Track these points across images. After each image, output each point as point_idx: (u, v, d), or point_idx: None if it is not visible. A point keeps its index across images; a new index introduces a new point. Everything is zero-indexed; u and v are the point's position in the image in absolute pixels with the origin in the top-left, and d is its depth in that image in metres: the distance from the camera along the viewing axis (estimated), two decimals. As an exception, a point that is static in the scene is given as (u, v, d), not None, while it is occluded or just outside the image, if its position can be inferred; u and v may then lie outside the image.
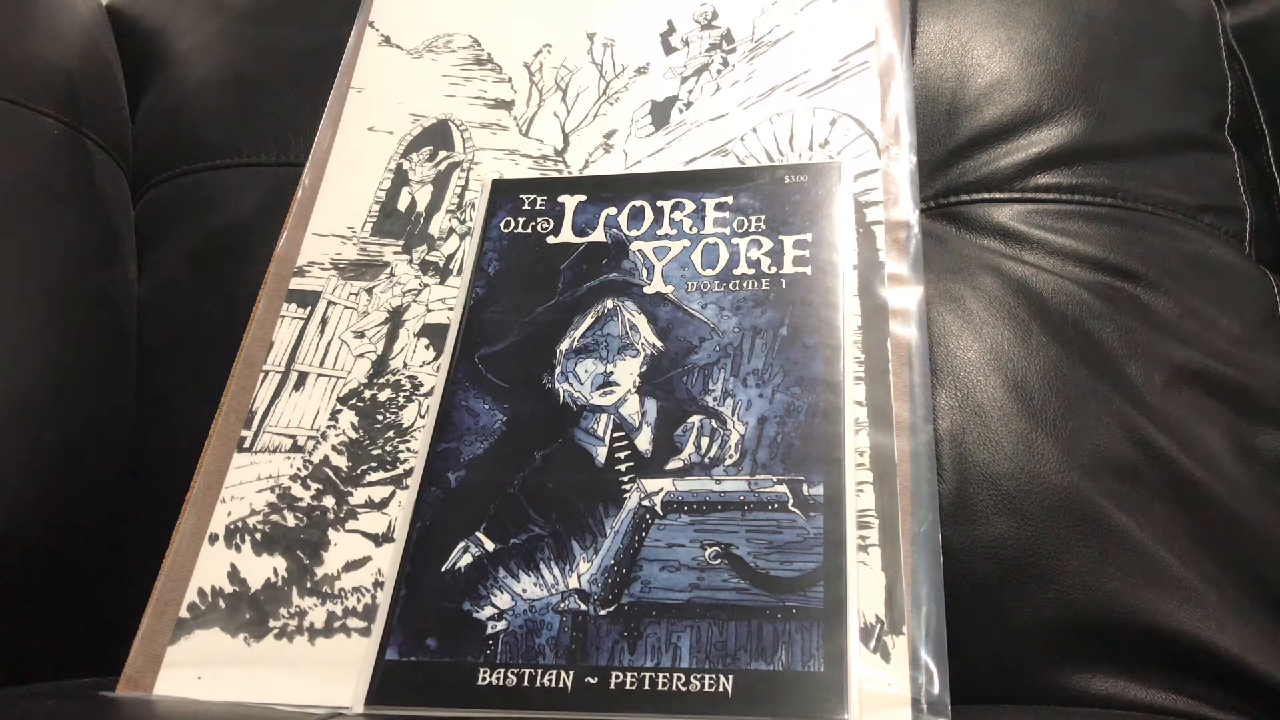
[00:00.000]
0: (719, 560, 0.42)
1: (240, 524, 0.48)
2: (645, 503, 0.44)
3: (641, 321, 0.49)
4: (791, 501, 0.43)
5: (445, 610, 0.43)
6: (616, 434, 0.46)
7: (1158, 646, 0.46)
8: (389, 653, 0.43)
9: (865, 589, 0.42)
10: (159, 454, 0.55)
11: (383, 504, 0.47)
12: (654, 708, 0.40)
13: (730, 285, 0.50)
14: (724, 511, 0.44)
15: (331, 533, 0.47)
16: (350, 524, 0.47)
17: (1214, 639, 0.46)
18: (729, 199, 0.53)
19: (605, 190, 0.54)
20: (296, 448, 0.49)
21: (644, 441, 0.46)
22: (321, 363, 0.52)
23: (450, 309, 0.52)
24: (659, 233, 0.52)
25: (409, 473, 0.48)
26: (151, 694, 0.44)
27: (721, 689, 0.40)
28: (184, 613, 0.46)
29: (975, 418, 0.50)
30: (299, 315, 0.53)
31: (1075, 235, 0.55)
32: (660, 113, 0.58)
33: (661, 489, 0.45)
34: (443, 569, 0.44)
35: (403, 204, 0.57)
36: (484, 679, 0.41)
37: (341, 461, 0.49)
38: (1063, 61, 0.60)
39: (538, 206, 0.54)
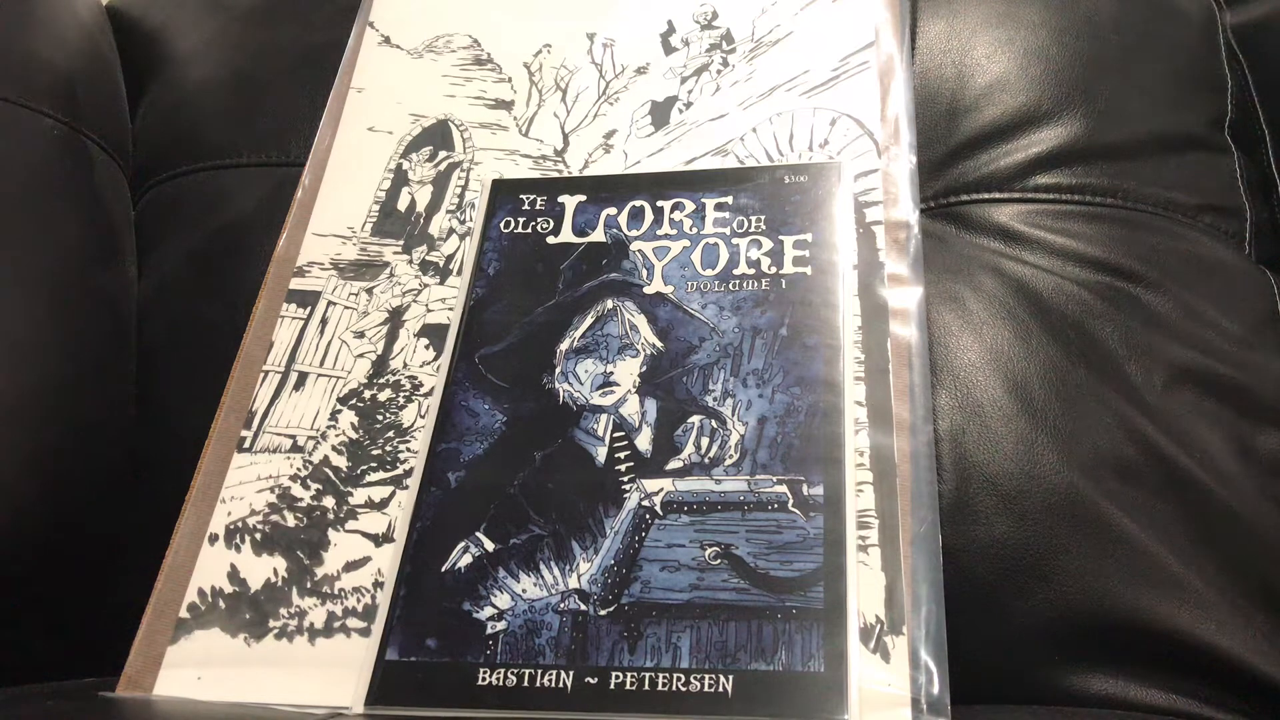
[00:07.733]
0: (719, 560, 0.42)
1: (240, 524, 0.48)
2: (645, 503, 0.44)
3: (641, 321, 0.49)
4: (791, 502, 0.43)
5: (445, 610, 0.43)
6: (616, 434, 0.46)
7: (1158, 646, 0.46)
8: (389, 653, 0.43)
9: (865, 589, 0.42)
10: (159, 454, 0.55)
11: (383, 504, 0.47)
12: (654, 708, 0.40)
13: (730, 285, 0.50)
14: (724, 512, 0.44)
15: (331, 533, 0.47)
16: (350, 524, 0.47)
17: (1214, 639, 0.46)
18: (729, 199, 0.52)
19: (605, 190, 0.54)
20: (296, 448, 0.49)
21: (644, 441, 0.46)
22: (321, 363, 0.52)
23: (450, 309, 0.52)
24: (659, 233, 0.52)
25: (409, 473, 0.48)
26: (151, 694, 0.44)
27: (721, 689, 0.40)
28: (184, 613, 0.46)
29: (975, 418, 0.50)
30: (299, 315, 0.53)
31: (1075, 235, 0.55)
32: (660, 113, 0.58)
33: (661, 489, 0.45)
34: (443, 569, 0.44)
35: (403, 204, 0.56)
36: (484, 679, 0.41)
37: (341, 461, 0.49)
38: (1063, 61, 0.60)
39: (538, 206, 0.54)
